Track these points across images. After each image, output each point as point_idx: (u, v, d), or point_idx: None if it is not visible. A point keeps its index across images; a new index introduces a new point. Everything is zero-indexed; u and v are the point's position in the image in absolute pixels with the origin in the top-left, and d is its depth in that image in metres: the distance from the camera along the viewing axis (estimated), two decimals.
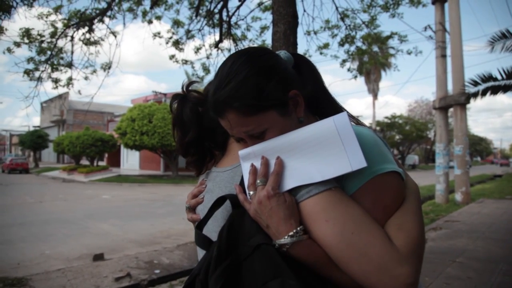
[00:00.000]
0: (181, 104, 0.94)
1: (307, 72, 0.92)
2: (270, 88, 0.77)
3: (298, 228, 0.71)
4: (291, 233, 0.70)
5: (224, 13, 6.76)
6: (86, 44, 6.48)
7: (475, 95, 7.82)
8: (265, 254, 0.70)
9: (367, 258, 0.67)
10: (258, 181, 0.77)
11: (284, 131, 0.79)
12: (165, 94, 26.10)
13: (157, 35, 7.30)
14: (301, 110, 0.84)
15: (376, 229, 0.70)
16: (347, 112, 0.85)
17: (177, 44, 7.44)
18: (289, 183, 0.75)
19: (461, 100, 10.10)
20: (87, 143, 25.24)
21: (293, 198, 0.75)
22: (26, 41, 5.81)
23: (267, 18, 7.78)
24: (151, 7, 6.84)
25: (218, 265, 0.70)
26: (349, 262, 0.69)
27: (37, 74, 6.15)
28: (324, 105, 0.92)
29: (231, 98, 0.76)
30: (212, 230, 0.87)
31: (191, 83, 0.98)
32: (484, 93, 7.58)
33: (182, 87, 0.96)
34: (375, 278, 0.67)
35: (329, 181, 0.73)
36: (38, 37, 5.94)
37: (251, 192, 0.77)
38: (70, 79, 6.46)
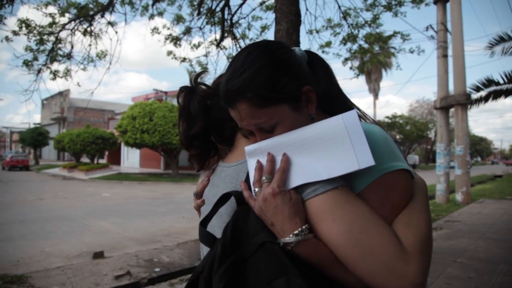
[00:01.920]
0: (189, 96, 0.93)
1: (320, 70, 0.91)
2: (285, 81, 0.76)
3: (304, 227, 0.70)
4: (296, 232, 0.69)
5: (226, 11, 6.74)
6: (85, 35, 6.45)
7: (477, 101, 7.79)
8: (270, 252, 0.69)
9: (375, 258, 0.66)
10: (264, 178, 0.76)
11: (295, 126, 0.78)
12: (166, 92, 26.10)
13: (155, 30, 7.26)
14: (313, 107, 0.83)
15: (383, 228, 0.69)
16: (358, 110, 0.84)
17: (176, 40, 7.42)
18: (295, 181, 0.74)
19: (462, 100, 10.07)
20: (87, 141, 25.26)
21: (299, 196, 0.73)
22: (25, 31, 5.79)
23: (268, 17, 7.77)
24: (153, 3, 6.83)
25: (222, 263, 0.69)
26: (356, 261, 0.68)
27: (36, 66, 6.14)
28: (337, 104, 0.91)
29: (244, 87, 0.75)
30: (216, 226, 0.86)
31: (199, 74, 0.97)
32: (486, 98, 7.56)
33: (191, 80, 0.96)
34: (383, 278, 0.66)
35: (336, 180, 0.72)
36: (37, 27, 5.92)
37: (257, 189, 0.76)
38: (67, 70, 6.44)
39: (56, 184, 18.87)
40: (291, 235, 0.70)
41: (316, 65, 0.91)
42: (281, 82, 0.76)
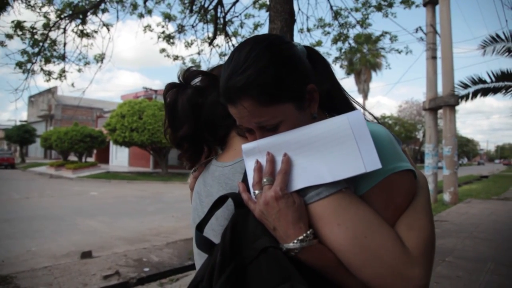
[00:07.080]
0: (176, 94, 0.88)
1: (320, 67, 0.88)
2: (291, 79, 0.73)
3: (308, 232, 0.67)
4: (300, 238, 0.67)
5: (219, 10, 6.70)
6: (79, 36, 6.37)
7: (465, 97, 7.95)
8: (272, 258, 0.66)
9: (381, 262, 0.65)
10: (265, 179, 0.72)
11: (298, 125, 0.75)
12: (155, 91, 25.90)
13: (147, 28, 7.19)
14: (315, 106, 0.80)
15: (388, 231, 0.67)
16: (362, 108, 0.82)
17: (168, 38, 7.36)
18: (298, 183, 0.71)
19: (451, 102, 10.22)
20: (75, 139, 24.93)
21: (302, 200, 0.70)
22: (19, 33, 5.69)
23: (261, 15, 7.77)
24: (145, 1, 6.75)
25: (223, 271, 0.66)
26: (362, 266, 0.66)
27: (29, 66, 6.06)
28: (338, 103, 0.88)
29: (249, 85, 0.71)
30: (210, 228, 0.82)
31: (187, 70, 0.91)
32: (474, 94, 7.71)
33: (179, 77, 0.90)
34: (389, 282, 0.65)
35: (339, 182, 0.69)
36: (31, 29, 5.82)
37: (256, 191, 0.73)
38: (62, 71, 6.36)
39: (43, 182, 18.54)
40: (295, 241, 0.67)
41: (315, 61, 0.87)
42: (288, 80, 0.73)
